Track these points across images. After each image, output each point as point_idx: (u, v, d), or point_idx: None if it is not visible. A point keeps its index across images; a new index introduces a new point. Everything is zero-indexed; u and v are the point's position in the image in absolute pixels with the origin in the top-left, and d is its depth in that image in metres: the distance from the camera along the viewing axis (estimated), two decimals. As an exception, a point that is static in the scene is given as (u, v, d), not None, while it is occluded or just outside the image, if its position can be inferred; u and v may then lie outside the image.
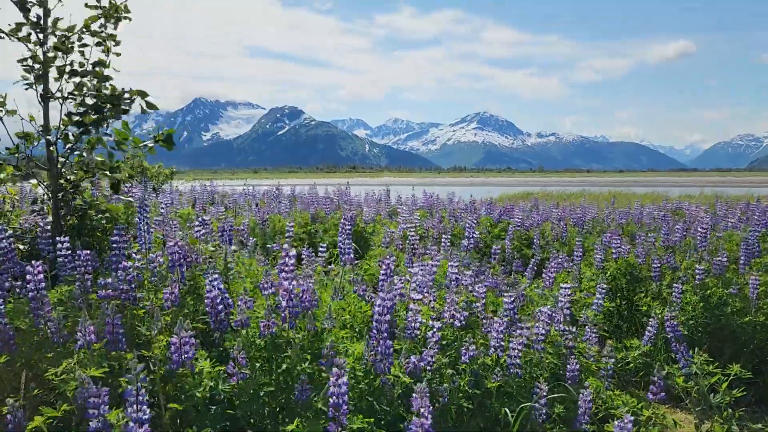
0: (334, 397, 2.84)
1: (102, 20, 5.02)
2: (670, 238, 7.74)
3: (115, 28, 5.13)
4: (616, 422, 2.74)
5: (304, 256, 6.64)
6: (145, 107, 5.20)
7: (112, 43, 5.09)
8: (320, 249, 6.27)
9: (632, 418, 2.70)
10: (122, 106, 5.09)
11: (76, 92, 4.98)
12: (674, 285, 5.80)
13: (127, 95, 5.10)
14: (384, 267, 4.28)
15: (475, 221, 7.76)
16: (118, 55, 5.13)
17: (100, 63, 5.03)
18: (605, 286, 5.31)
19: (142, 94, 5.15)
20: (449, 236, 7.12)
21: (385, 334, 3.45)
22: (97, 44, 5.03)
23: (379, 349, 3.44)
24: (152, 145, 5.13)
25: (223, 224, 5.03)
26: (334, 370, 2.86)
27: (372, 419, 3.04)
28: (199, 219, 4.81)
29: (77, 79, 5.00)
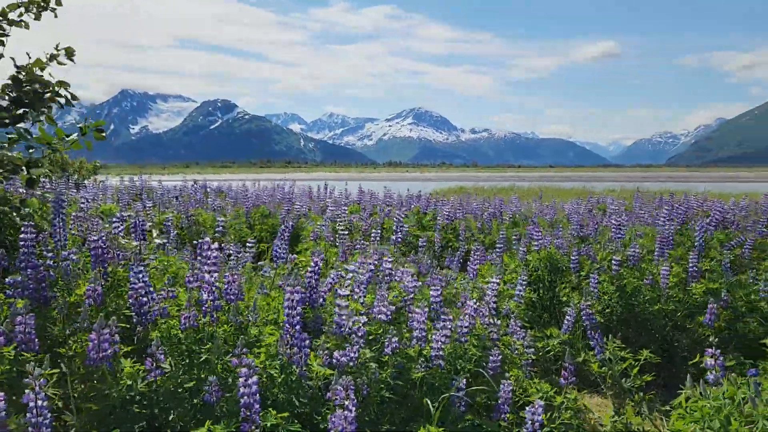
0: (245, 397, 2.83)
1: (22, 9, 4.76)
2: (587, 230, 8.07)
3: (37, 18, 4.87)
4: (527, 408, 2.85)
5: (232, 252, 6.56)
6: (69, 99, 4.97)
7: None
8: (248, 244, 6.22)
9: (543, 404, 2.82)
10: (47, 98, 4.84)
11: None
12: (591, 275, 6.06)
13: (48, 88, 4.85)
14: (312, 263, 4.28)
15: (403, 215, 7.85)
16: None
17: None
18: (525, 277, 5.49)
19: (64, 85, 4.92)
20: (379, 231, 7.18)
21: (298, 327, 3.48)
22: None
23: (294, 342, 3.45)
24: (76, 139, 4.89)
25: (135, 220, 4.89)
26: (243, 370, 2.85)
27: (287, 414, 3.04)
28: (117, 215, 4.67)
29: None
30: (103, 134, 4.97)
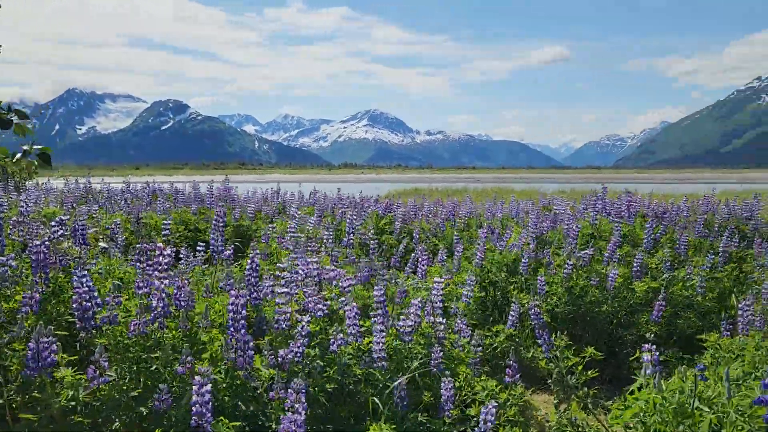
0: (197, 405, 2.80)
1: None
2: (539, 230, 8.26)
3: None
4: (482, 408, 2.91)
5: (182, 255, 6.44)
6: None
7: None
8: (199, 247, 6.12)
9: (496, 404, 2.88)
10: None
11: None
12: (538, 277, 6.21)
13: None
14: (249, 261, 4.25)
15: (356, 216, 7.86)
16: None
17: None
18: (474, 278, 5.58)
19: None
20: (331, 232, 7.17)
21: (243, 330, 3.46)
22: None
23: (239, 345, 3.44)
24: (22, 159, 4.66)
25: (75, 223, 4.76)
26: (197, 378, 2.81)
27: (238, 423, 3.03)
28: (57, 218, 4.54)
29: None
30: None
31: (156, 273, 3.78)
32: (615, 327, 6.37)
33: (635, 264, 6.56)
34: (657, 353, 3.26)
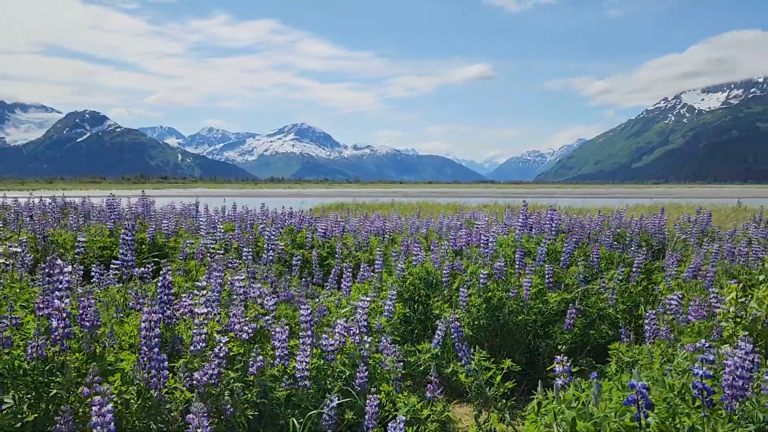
0: (98, 427, 2.64)
1: None
2: (458, 245, 8.40)
3: None
4: (389, 424, 2.89)
5: (93, 274, 6.14)
6: None
7: None
8: (113, 265, 5.84)
9: (404, 418, 2.87)
10: None
11: None
12: (461, 289, 6.30)
13: None
14: (161, 278, 4.10)
15: (276, 232, 7.74)
16: None
17: None
18: (395, 292, 5.59)
19: None
20: (251, 249, 7.03)
21: (156, 350, 3.32)
22: None
23: (152, 365, 3.29)
24: None
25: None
26: (96, 398, 2.66)
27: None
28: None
29: None
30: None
31: (57, 292, 3.56)
32: (533, 338, 6.54)
33: (547, 276, 6.79)
34: (569, 364, 3.37)
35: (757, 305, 4.27)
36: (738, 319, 4.36)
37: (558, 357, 3.35)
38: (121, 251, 5.03)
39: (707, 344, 2.85)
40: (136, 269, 4.91)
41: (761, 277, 4.44)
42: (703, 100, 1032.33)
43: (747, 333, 3.41)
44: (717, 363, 3.11)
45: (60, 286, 3.72)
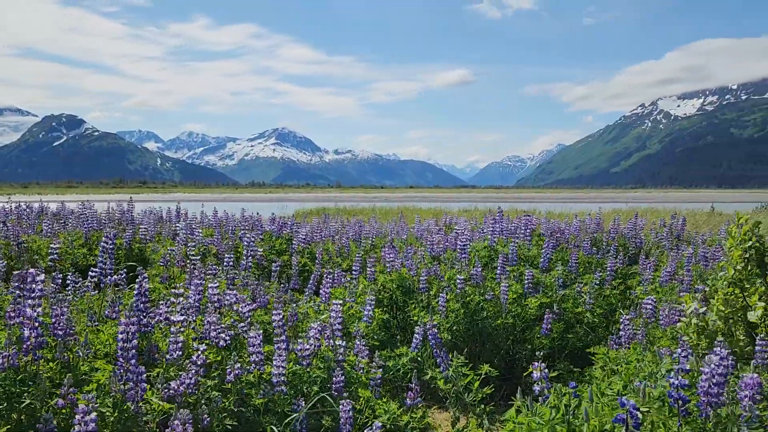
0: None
1: None
2: (438, 250, 8.42)
3: None
4: (366, 431, 2.89)
5: (69, 281, 6.04)
6: None
7: None
8: (91, 273, 5.76)
9: (380, 425, 2.87)
10: None
11: None
12: (440, 294, 6.32)
13: None
14: (137, 286, 4.06)
15: (255, 238, 7.70)
16: None
17: None
18: (373, 298, 5.59)
19: None
20: (232, 255, 6.99)
21: (133, 361, 3.28)
22: None
23: (129, 377, 3.25)
24: None
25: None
26: (81, 406, 2.63)
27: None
28: None
29: None
30: None
31: (29, 301, 3.50)
32: (512, 343, 6.57)
33: (527, 281, 6.83)
34: (546, 370, 3.40)
35: (717, 317, 4.35)
36: (700, 330, 4.43)
37: (535, 363, 3.38)
38: (99, 259, 4.97)
39: (679, 352, 2.89)
40: (112, 277, 4.86)
41: (719, 284, 4.52)
42: (679, 106, 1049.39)
43: (708, 342, 3.46)
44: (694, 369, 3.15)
45: (32, 295, 3.66)
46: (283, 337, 3.87)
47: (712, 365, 2.78)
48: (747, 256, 4.37)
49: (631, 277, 8.28)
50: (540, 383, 3.35)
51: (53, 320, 3.77)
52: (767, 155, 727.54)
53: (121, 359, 3.38)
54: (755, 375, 2.77)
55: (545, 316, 6.23)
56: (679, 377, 2.70)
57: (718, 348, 2.87)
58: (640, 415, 2.57)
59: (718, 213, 25.40)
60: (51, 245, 6.87)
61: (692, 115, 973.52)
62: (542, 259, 8.05)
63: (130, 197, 12.39)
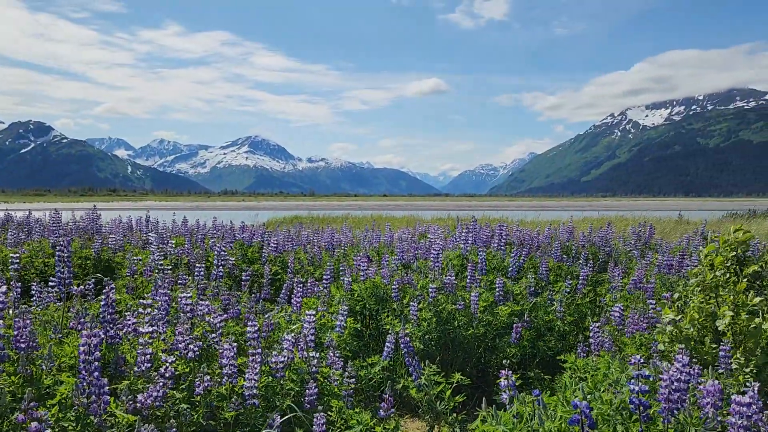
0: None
1: None
2: (409, 258, 8.44)
3: None
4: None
5: (34, 292, 5.92)
6: None
7: None
8: (50, 283, 5.65)
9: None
10: None
11: None
12: (411, 303, 6.33)
13: None
14: (104, 296, 3.99)
15: (227, 247, 7.63)
16: None
17: None
18: (346, 308, 5.58)
19: None
20: (203, 264, 6.91)
21: (96, 373, 3.22)
22: None
23: (92, 390, 3.19)
24: None
25: None
26: (33, 424, 2.57)
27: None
28: None
29: None
30: None
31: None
32: (483, 351, 6.62)
33: (497, 289, 6.89)
34: (514, 378, 3.43)
35: (690, 325, 4.44)
36: (674, 337, 4.52)
37: (503, 372, 3.41)
38: (57, 268, 4.87)
39: (641, 359, 2.94)
40: (75, 287, 4.76)
41: (689, 291, 4.63)
42: (647, 116, 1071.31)
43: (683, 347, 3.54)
44: (655, 376, 3.21)
45: (-5, 306, 3.58)
46: (259, 350, 3.84)
47: (672, 371, 2.84)
48: (728, 264, 4.48)
49: (601, 285, 8.41)
50: (508, 391, 3.38)
51: (15, 332, 3.69)
52: (733, 164, 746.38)
53: (83, 372, 3.31)
54: (716, 381, 2.84)
55: (514, 326, 6.29)
56: (640, 383, 2.75)
57: (680, 355, 2.93)
58: (593, 415, 2.62)
59: (686, 221, 25.95)
60: (12, 255, 6.71)
61: (660, 124, 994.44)
62: (510, 268, 8.13)
63: (94, 205, 12.18)
